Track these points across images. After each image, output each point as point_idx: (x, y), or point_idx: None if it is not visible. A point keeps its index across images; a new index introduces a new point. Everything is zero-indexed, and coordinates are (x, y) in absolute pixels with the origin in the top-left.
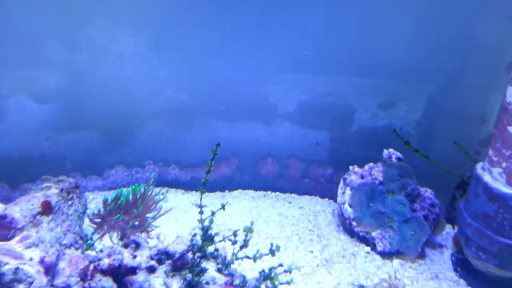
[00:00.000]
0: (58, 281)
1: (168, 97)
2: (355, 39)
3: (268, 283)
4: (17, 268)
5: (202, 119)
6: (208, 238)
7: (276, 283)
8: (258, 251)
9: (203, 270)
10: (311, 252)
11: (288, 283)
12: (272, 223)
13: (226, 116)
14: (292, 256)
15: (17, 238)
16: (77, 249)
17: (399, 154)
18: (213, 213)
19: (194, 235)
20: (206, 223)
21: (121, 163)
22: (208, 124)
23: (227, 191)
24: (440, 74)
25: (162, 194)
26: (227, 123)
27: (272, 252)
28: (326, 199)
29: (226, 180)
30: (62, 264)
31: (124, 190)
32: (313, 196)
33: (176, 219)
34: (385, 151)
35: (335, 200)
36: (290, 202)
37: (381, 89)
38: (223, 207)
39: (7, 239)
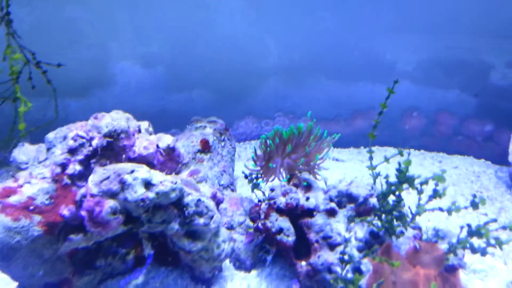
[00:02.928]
0: (223, 220)
1: (280, 56)
2: None
3: (475, 240)
4: (198, 200)
5: (315, 78)
6: (406, 179)
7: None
8: (454, 202)
9: (395, 218)
10: (486, 214)
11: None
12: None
13: (341, 75)
14: (462, 218)
15: (186, 172)
16: (232, 190)
17: None
18: (386, 159)
19: (386, 176)
20: (376, 170)
21: (250, 114)
22: (320, 83)
23: (362, 147)
24: None
25: (333, 137)
26: (342, 82)
27: (474, 205)
28: (482, 160)
29: (362, 136)
30: (223, 204)
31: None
32: (466, 156)
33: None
34: None
35: (493, 162)
36: (440, 162)
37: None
38: (386, 160)
39: (176, 173)
